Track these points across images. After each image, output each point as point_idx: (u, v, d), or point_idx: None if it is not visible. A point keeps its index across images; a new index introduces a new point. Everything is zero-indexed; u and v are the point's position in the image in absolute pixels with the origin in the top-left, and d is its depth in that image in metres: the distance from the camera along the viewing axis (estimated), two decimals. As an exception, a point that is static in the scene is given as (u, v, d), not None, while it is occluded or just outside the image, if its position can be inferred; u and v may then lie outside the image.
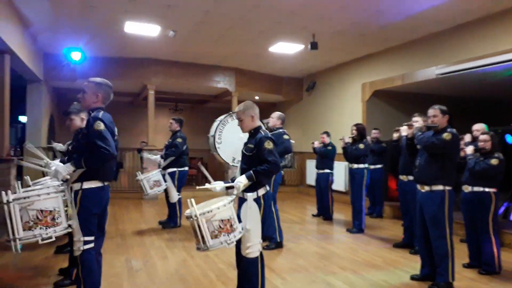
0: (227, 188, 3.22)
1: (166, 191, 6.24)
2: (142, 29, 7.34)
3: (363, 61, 9.05)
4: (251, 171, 2.99)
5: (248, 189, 3.03)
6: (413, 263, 4.40)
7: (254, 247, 3.06)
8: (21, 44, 6.85)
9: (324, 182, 7.17)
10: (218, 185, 3.18)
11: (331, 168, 7.17)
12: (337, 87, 10.04)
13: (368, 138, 6.81)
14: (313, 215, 7.51)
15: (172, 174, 6.18)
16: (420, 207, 3.91)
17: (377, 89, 8.66)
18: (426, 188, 3.81)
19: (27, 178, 4.14)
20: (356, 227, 6.11)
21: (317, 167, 7.31)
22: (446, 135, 3.72)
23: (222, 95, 11.53)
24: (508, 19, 5.89)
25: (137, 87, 11.08)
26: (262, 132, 3.15)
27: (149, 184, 6.00)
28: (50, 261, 4.32)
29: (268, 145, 3.02)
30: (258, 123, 3.24)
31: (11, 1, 6.03)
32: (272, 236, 5.11)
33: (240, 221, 3.05)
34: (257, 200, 3.05)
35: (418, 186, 3.94)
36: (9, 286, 3.53)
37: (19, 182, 3.20)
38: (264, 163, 2.98)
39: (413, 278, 4.00)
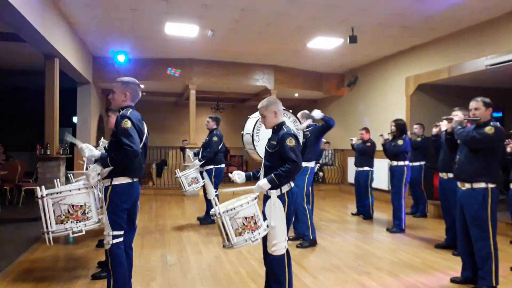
0: (247, 180, 3.20)
1: (204, 187, 6.37)
2: (182, 30, 7.53)
3: (407, 54, 8.67)
4: (273, 175, 2.95)
5: (271, 186, 3.00)
6: (455, 265, 4.15)
7: (279, 245, 3.02)
8: (70, 48, 7.27)
9: (363, 180, 6.96)
10: (240, 177, 3.16)
11: (371, 165, 6.94)
12: (380, 81, 9.71)
13: (409, 133, 6.52)
14: (353, 214, 7.32)
15: (209, 171, 6.29)
16: (461, 206, 3.68)
17: (422, 83, 8.26)
18: (467, 185, 3.59)
19: (71, 175, 4.38)
20: (396, 226, 5.88)
21: (356, 165, 7.11)
22: (488, 129, 3.47)
23: (262, 93, 11.54)
24: None
25: (180, 87, 11.38)
26: (285, 128, 3.10)
27: (187, 181, 6.15)
28: (91, 254, 4.54)
29: (290, 142, 2.96)
30: (281, 119, 3.19)
31: (60, 8, 6.41)
32: (304, 234, 5.04)
33: (265, 218, 3.03)
34: (281, 197, 3.01)
35: (459, 184, 3.71)
36: (51, 277, 3.75)
37: (58, 179, 3.38)
38: (286, 161, 2.94)
39: (453, 281, 3.78)
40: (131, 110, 3.02)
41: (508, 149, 4.49)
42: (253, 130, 4.88)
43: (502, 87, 8.61)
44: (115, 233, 2.88)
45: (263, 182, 2.97)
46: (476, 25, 6.79)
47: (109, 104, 3.31)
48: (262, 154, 5.16)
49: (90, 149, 2.93)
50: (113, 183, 2.90)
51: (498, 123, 3.55)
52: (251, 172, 3.26)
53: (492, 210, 3.49)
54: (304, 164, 4.94)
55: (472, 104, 3.65)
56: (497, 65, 6.41)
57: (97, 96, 10.28)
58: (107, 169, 2.87)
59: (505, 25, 6.28)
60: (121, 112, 2.98)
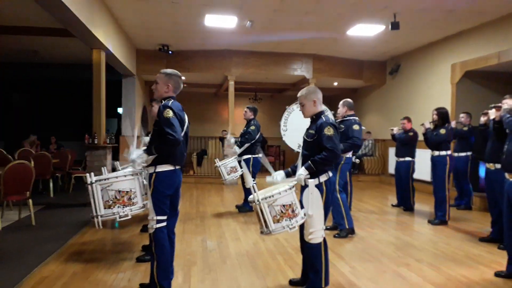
0: (288, 177, 3.22)
1: (242, 176, 6.48)
2: (221, 21, 7.62)
3: (453, 40, 8.30)
4: (309, 161, 2.98)
5: (310, 175, 3.02)
6: (500, 259, 4.00)
7: (316, 233, 3.05)
8: (115, 42, 7.58)
9: (404, 170, 6.79)
10: (279, 176, 3.18)
11: (413, 155, 6.76)
12: (424, 69, 9.37)
13: (453, 123, 6.27)
14: (393, 205, 7.18)
15: (247, 161, 6.37)
16: (509, 198, 3.54)
17: (469, 70, 7.89)
18: (515, 177, 3.43)
19: (117, 163, 4.61)
20: (439, 218, 5.71)
21: (397, 155, 6.94)
22: (539, 118, 3.30)
23: (299, 82, 11.47)
24: None
25: (219, 78, 11.55)
26: (323, 117, 3.10)
27: (226, 170, 6.29)
28: (136, 238, 4.78)
29: (328, 131, 2.97)
30: (320, 108, 3.19)
31: (106, 3, 6.69)
32: (340, 223, 5.01)
33: (302, 207, 3.06)
34: (318, 186, 3.03)
35: (506, 175, 3.57)
36: (99, 259, 4.00)
37: (105, 167, 3.58)
38: (323, 150, 2.95)
39: (498, 275, 3.64)
40: (172, 100, 3.13)
41: None
42: (281, 120, 4.95)
43: (558, 73, 8.06)
44: (159, 218, 3.02)
45: (301, 171, 3.01)
46: (529, 7, 6.39)
47: (152, 95, 3.45)
48: (289, 143, 5.18)
49: (138, 156, 2.98)
50: (156, 170, 3.03)
51: (550, 111, 3.36)
52: (289, 169, 3.27)
53: (542, 202, 3.33)
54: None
55: (522, 92, 3.48)
56: (553, 50, 6.01)
57: (140, 88, 10.65)
58: (151, 157, 3.00)
59: (562, 6, 5.86)
60: (163, 102, 3.10)
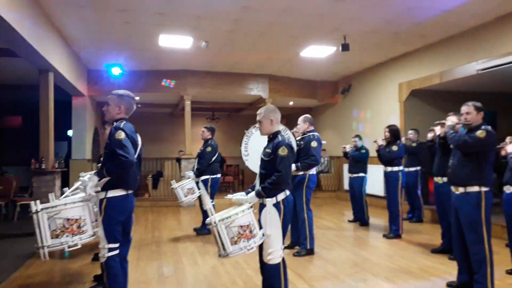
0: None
1: (200, 198, 6.36)
2: (176, 42, 7.57)
3: (399, 60, 8.76)
4: (260, 188, 3.00)
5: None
6: (451, 270, 4.15)
7: (275, 253, 3.03)
8: (64, 62, 7.31)
9: (357, 186, 6.99)
10: (237, 196, 3.16)
11: (365, 171, 6.98)
12: (373, 88, 9.79)
13: (403, 139, 6.56)
14: (349, 221, 7.33)
15: (205, 182, 6.28)
16: (455, 210, 3.70)
17: (415, 89, 8.34)
18: (461, 189, 3.60)
19: (66, 189, 4.37)
20: (393, 232, 5.89)
21: (350, 171, 7.15)
22: (480, 133, 3.50)
23: (257, 102, 11.60)
24: (553, 6, 5.49)
25: (175, 98, 11.42)
26: (280, 137, 3.13)
27: (183, 191, 6.15)
28: (87, 268, 4.52)
29: (283, 151, 3.00)
30: (277, 127, 3.23)
31: (54, 22, 6.45)
32: (303, 243, 5.03)
33: (261, 227, 3.04)
34: (276, 205, 3.03)
35: (452, 188, 3.73)
36: (48, 291, 3.73)
37: (52, 194, 3.37)
38: (275, 171, 2.97)
39: (449, 285, 3.78)
40: (124, 122, 3.04)
41: (503, 152, 4.52)
42: (241, 145, 4.99)
43: (493, 91, 8.70)
44: (110, 245, 2.88)
45: (251, 196, 3.04)
46: (466, 31, 6.88)
47: (105, 117, 3.33)
48: (252, 167, 5.20)
49: (88, 179, 2.87)
50: (108, 195, 2.91)
51: (489, 127, 3.58)
52: (249, 189, 3.26)
53: (486, 213, 3.51)
54: (301, 172, 4.96)
55: (464, 109, 3.69)
56: (488, 70, 6.49)
57: (92, 109, 10.29)
58: (103, 181, 2.88)
59: (495, 30, 6.37)
60: (115, 124, 3.01)
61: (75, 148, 9.57)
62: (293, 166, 4.72)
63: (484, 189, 3.51)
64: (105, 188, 2.91)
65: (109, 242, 2.87)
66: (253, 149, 5.16)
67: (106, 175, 2.84)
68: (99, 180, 2.89)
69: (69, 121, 9.77)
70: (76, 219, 2.78)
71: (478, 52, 6.68)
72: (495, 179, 5.74)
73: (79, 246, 2.76)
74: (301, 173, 4.95)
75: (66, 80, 7.69)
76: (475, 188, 3.52)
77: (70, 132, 11.39)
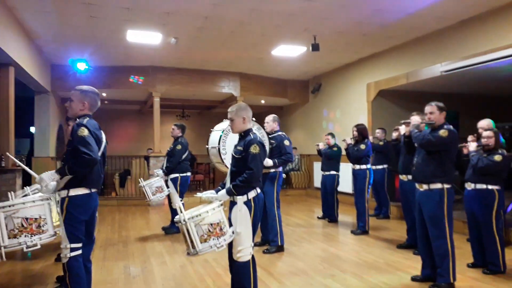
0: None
1: (169, 196, 6.27)
2: (144, 38, 7.41)
3: (367, 61, 8.95)
4: (231, 186, 2.98)
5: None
6: (416, 264, 4.28)
7: (245, 251, 3.02)
8: (26, 56, 7.00)
9: (329, 184, 7.08)
10: (207, 194, 3.12)
11: (337, 169, 7.08)
12: (343, 88, 9.95)
13: (371, 138, 6.70)
14: (318, 218, 7.42)
15: (174, 180, 6.19)
16: (419, 207, 3.81)
17: (382, 89, 8.54)
18: (425, 186, 3.72)
19: (27, 188, 4.20)
20: (360, 228, 6.01)
21: (323, 169, 7.23)
22: (442, 132, 3.63)
23: (228, 100, 11.55)
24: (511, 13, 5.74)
25: (143, 95, 11.20)
26: (251, 135, 3.11)
27: (151, 190, 6.04)
28: (49, 268, 4.35)
29: (255, 149, 2.98)
30: (249, 125, 3.21)
31: (16, 15, 6.17)
32: (273, 240, 5.05)
33: (231, 224, 3.01)
34: (247, 203, 3.01)
35: (417, 185, 3.85)
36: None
37: (12, 192, 3.22)
38: (247, 169, 2.95)
39: (414, 279, 3.89)
40: (88, 118, 2.94)
41: (465, 151, 4.70)
42: (219, 143, 4.80)
43: (456, 92, 9.04)
44: (73, 245, 2.78)
45: (222, 193, 3.00)
46: (431, 33, 7.11)
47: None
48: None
49: (48, 176, 2.75)
50: (70, 194, 2.81)
51: (451, 126, 3.72)
52: (219, 187, 3.22)
53: (448, 209, 3.63)
54: (272, 170, 4.98)
55: (427, 109, 3.81)
56: (451, 71, 6.73)
57: (56, 105, 9.92)
58: (64, 179, 2.77)
59: (458, 33, 6.61)
60: (78, 120, 2.90)
61: (37, 146, 9.19)
62: (270, 162, 4.75)
63: (446, 186, 3.64)
64: (67, 186, 2.81)
65: (71, 242, 2.77)
66: (230, 147, 5.03)
67: (68, 173, 2.74)
68: (61, 178, 2.78)
69: (32, 118, 9.38)
70: (36, 218, 2.66)
71: (442, 54, 6.91)
72: (458, 177, 5.96)
73: (39, 247, 2.65)
74: (272, 170, 4.98)
75: (28, 75, 7.37)
76: (438, 185, 3.65)
77: (33, 129, 10.96)
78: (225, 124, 4.90)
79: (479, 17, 6.22)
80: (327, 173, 7.16)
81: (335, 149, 7.08)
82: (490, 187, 4.10)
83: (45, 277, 4.08)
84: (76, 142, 2.75)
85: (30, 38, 7.27)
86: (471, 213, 4.27)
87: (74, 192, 2.81)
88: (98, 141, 2.92)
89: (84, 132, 2.77)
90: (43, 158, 9.10)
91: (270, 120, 5.20)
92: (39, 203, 2.70)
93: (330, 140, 7.16)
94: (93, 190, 2.93)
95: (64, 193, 2.81)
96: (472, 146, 4.42)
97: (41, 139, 9.21)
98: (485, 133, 4.24)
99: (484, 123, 4.80)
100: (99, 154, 2.89)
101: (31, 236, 2.61)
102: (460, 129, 8.28)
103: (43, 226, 2.69)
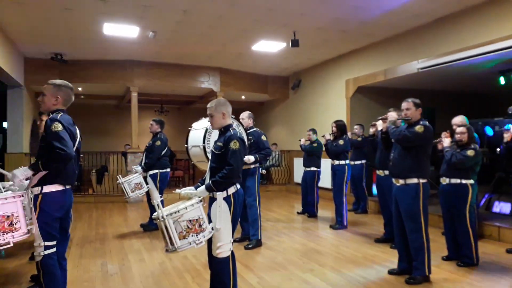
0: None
1: (147, 193, 6.18)
2: (121, 31, 7.26)
3: (346, 58, 9.03)
4: (210, 182, 2.96)
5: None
6: (393, 258, 4.36)
7: (224, 247, 3.01)
8: (-3, 49, 6.76)
9: (310, 179, 7.13)
10: (187, 190, 3.08)
11: (318, 165, 7.13)
12: (322, 84, 10.02)
13: (349, 134, 6.78)
14: (298, 213, 7.47)
15: (153, 176, 6.11)
16: (396, 201, 3.88)
17: (361, 85, 8.64)
18: (401, 181, 3.79)
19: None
20: (339, 223, 6.09)
21: (304, 165, 7.27)
22: (418, 128, 3.70)
23: (208, 95, 11.45)
24: (486, 11, 5.88)
25: (121, 89, 10.99)
26: (231, 131, 3.09)
27: (130, 187, 5.94)
28: (23, 267, 4.24)
29: (235, 145, 2.97)
30: (229, 121, 3.19)
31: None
32: (254, 234, 5.05)
33: (210, 221, 2.99)
34: (226, 199, 3.00)
35: (393, 180, 3.91)
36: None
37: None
38: (227, 164, 2.94)
39: (390, 273, 3.96)
40: (62, 113, 2.86)
41: (439, 147, 4.81)
42: (203, 142, 4.70)
43: (433, 89, 9.23)
44: (47, 243, 2.71)
45: (201, 190, 2.97)
46: (408, 31, 7.22)
47: (42, 108, 3.10)
48: None
49: (17, 172, 2.68)
50: (43, 191, 2.73)
51: (427, 122, 3.79)
52: (199, 183, 3.20)
53: (423, 203, 3.72)
54: (253, 166, 4.99)
55: (404, 105, 3.88)
56: (428, 68, 6.86)
57: (30, 100, 9.62)
58: (38, 176, 2.69)
59: (434, 31, 6.73)
60: (51, 115, 2.82)
61: (10, 141, 8.91)
62: (252, 158, 4.76)
63: (422, 181, 3.72)
64: (41, 183, 2.73)
65: (45, 240, 2.70)
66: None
67: (42, 169, 2.66)
68: (34, 175, 2.70)
69: (4, 112, 9.08)
70: (8, 216, 2.57)
71: (419, 52, 7.04)
72: (433, 172, 6.10)
73: (11, 245, 2.56)
74: (252, 166, 4.99)
75: (0, 68, 7.12)
76: (414, 180, 3.72)
77: (5, 124, 10.62)
78: (205, 122, 4.83)
79: (453, 15, 6.35)
80: (307, 169, 7.20)
81: (315, 145, 7.12)
82: (464, 181, 4.21)
83: (19, 276, 3.97)
84: (50, 138, 2.67)
85: (2, 30, 7.02)
86: (446, 207, 4.37)
87: (47, 189, 2.74)
88: (72, 137, 2.84)
89: (58, 127, 2.69)
90: (16, 154, 8.84)
91: (246, 117, 5.20)
92: (12, 200, 2.61)
93: (311, 135, 7.20)
94: (67, 187, 2.86)
95: (37, 190, 2.73)
96: (446, 141, 4.52)
97: (14, 135, 8.93)
98: (458, 129, 4.35)
99: (458, 120, 4.92)
100: (74, 149, 2.82)
101: (4, 234, 2.53)
102: (436, 125, 8.46)
103: (15, 224, 2.60)
